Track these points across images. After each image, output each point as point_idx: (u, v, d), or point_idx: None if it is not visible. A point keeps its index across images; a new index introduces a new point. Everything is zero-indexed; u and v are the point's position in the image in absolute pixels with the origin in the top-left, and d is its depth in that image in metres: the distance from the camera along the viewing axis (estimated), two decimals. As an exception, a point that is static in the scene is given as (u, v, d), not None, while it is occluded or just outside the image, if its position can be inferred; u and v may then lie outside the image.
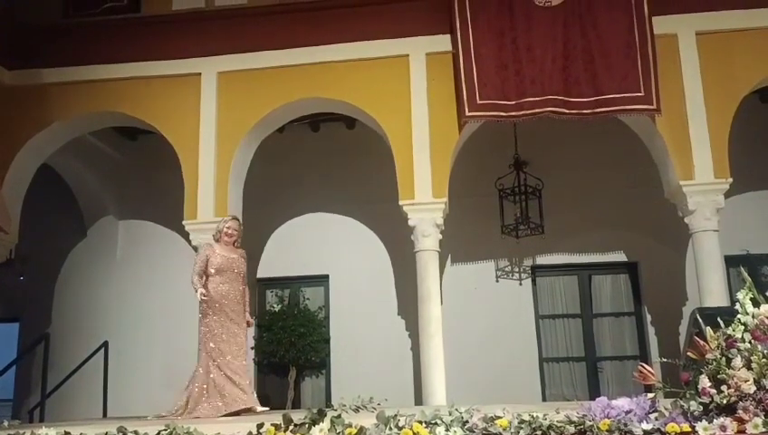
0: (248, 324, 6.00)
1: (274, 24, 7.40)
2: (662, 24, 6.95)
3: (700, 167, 6.79)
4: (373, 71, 7.28)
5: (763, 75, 6.97)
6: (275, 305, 8.82)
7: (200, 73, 7.42)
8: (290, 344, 8.36)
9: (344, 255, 9.00)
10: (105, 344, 8.73)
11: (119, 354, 8.77)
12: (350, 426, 2.82)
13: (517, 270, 8.92)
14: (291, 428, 2.85)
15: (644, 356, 8.43)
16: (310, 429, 2.81)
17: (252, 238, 8.27)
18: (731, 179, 6.75)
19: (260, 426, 2.90)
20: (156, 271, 9.11)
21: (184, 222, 7.25)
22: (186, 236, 7.39)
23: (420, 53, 7.27)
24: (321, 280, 9.13)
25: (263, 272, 9.15)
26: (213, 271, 5.76)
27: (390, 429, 2.80)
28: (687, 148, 6.84)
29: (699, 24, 7.01)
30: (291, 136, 8.81)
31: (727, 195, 6.82)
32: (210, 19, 7.55)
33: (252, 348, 8.80)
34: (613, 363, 8.70)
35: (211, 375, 5.55)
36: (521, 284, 8.92)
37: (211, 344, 5.63)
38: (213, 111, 7.34)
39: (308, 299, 8.91)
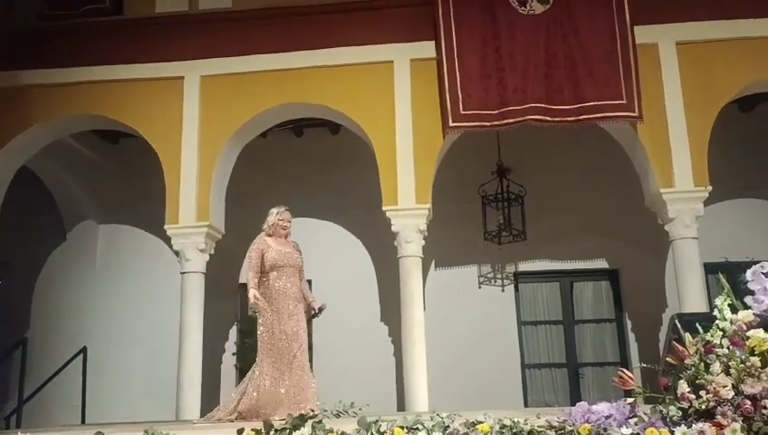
0: (320, 310, 5.52)
1: (259, 28, 7.39)
2: (643, 34, 7.04)
3: (680, 175, 6.87)
4: (357, 76, 7.29)
5: (742, 85, 7.08)
6: (257, 311, 8.76)
7: (183, 77, 7.39)
8: (272, 350, 8.29)
9: (327, 260, 8.95)
10: (84, 350, 8.64)
11: (98, 360, 8.67)
12: (332, 431, 2.80)
13: (500, 276, 8.96)
14: (271, 433, 2.83)
15: (625, 362, 8.50)
16: (291, 434, 2.79)
17: (234, 243, 8.24)
18: (710, 187, 6.85)
19: (240, 431, 2.87)
20: (136, 275, 9.03)
21: (165, 226, 7.19)
22: (167, 240, 7.34)
23: (405, 59, 7.30)
24: (303, 285, 9.08)
25: (245, 277, 9.06)
26: (268, 267, 5.31)
27: (372, 434, 2.79)
28: (667, 156, 6.93)
29: (679, 33, 7.11)
30: (274, 141, 8.79)
31: (706, 203, 6.92)
32: (194, 22, 7.52)
33: (233, 354, 8.76)
34: (594, 369, 8.75)
35: (266, 382, 5.07)
36: (503, 290, 8.95)
37: (267, 350, 5.17)
38: (195, 114, 7.30)
39: (290, 304, 8.85)
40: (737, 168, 8.12)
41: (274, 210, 5.57)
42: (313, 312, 5.47)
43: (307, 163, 9.10)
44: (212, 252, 7.35)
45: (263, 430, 2.83)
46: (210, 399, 8.16)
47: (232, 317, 8.97)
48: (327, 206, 9.01)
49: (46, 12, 7.73)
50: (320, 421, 2.84)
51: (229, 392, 8.71)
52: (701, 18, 7.08)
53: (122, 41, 7.48)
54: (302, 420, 2.79)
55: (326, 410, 2.90)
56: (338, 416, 2.95)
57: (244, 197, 8.38)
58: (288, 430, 2.81)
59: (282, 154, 9.11)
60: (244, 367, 8.63)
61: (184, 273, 7.20)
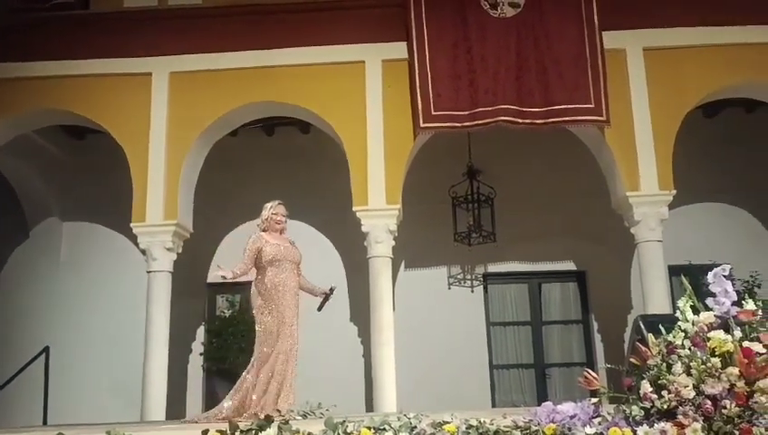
0: (331, 290, 5.43)
1: (229, 25, 7.33)
2: (611, 39, 7.14)
3: (646, 179, 6.99)
4: (329, 76, 7.27)
5: (707, 91, 7.23)
6: (226, 311, 8.68)
7: (151, 73, 7.29)
8: (240, 350, 8.21)
9: (297, 260, 8.91)
10: (46, 349, 8.46)
11: (61, 359, 8.50)
12: (298, 432, 2.79)
13: (469, 277, 9.00)
14: (237, 434, 2.80)
15: (591, 362, 8.60)
16: (256, 435, 2.77)
17: (202, 242, 8.16)
18: (674, 191, 6.99)
19: (205, 433, 2.84)
20: (101, 274, 8.87)
21: (132, 224, 7.09)
22: (134, 238, 7.23)
23: (376, 59, 7.30)
24: (273, 285, 9.01)
25: (213, 277, 8.97)
26: (266, 262, 5.11)
27: (338, 434, 2.78)
28: (634, 160, 7.04)
29: (647, 40, 7.23)
30: (244, 140, 8.71)
31: (671, 206, 7.05)
32: (163, 18, 7.42)
33: (201, 354, 8.66)
34: (561, 370, 8.84)
35: (253, 395, 4.90)
36: (472, 291, 9.00)
37: (264, 349, 5.02)
38: (164, 112, 7.21)
39: (259, 305, 8.78)
40: (701, 172, 8.27)
41: (268, 205, 5.42)
42: (326, 294, 5.40)
43: (277, 162, 9.03)
44: (179, 251, 7.26)
45: (228, 431, 2.80)
46: (176, 400, 8.07)
47: (199, 317, 8.87)
48: (297, 205, 8.82)
49: (15, 5, 7.56)
50: (286, 422, 2.82)
51: (196, 393, 8.67)
52: (668, 25, 7.20)
53: (90, 35, 7.35)
54: (269, 421, 2.77)
55: (293, 411, 2.87)
56: (305, 417, 2.92)
57: (213, 195, 8.31)
58: (254, 431, 2.79)
59: (252, 153, 9.04)
60: (211, 368, 8.56)
61: (150, 272, 7.10)
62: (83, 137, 9.04)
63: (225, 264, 8.78)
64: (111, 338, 8.56)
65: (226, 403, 4.97)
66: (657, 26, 7.20)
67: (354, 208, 7.06)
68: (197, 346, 8.74)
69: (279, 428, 2.77)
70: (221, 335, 8.38)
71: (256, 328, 5.10)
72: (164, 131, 7.17)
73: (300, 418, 2.94)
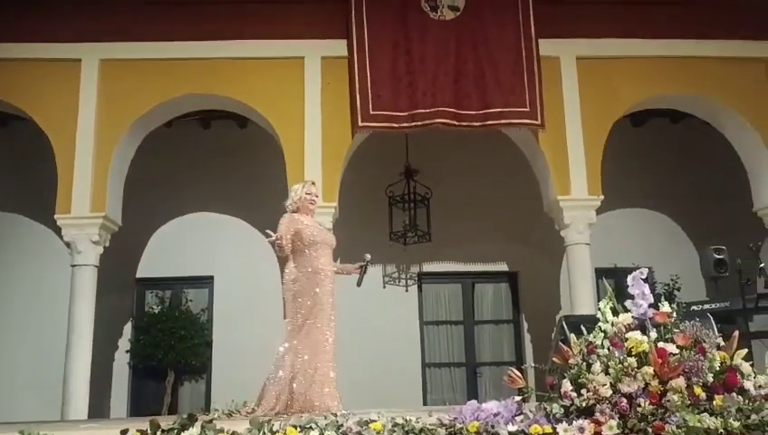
0: (367, 263, 5.02)
1: (166, 13, 7.13)
2: (547, 47, 7.32)
3: (576, 183, 7.21)
4: (267, 71, 7.19)
5: (635, 100, 7.51)
6: (155, 307, 8.47)
7: (80, 60, 7.03)
8: (169, 347, 8.04)
9: (231, 256, 8.78)
10: (-37, 345, 8.05)
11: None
12: (222, 431, 2.73)
13: (404, 277, 9.06)
14: (158, 434, 2.73)
15: (520, 361, 8.80)
16: (179, 435, 2.70)
17: (132, 236, 7.93)
18: (602, 197, 7.22)
19: (124, 432, 2.75)
20: (22, 267, 8.50)
21: (56, 216, 6.82)
22: (58, 230, 6.96)
23: (316, 56, 7.26)
24: (206, 281, 8.86)
25: (143, 272, 8.75)
26: (306, 244, 4.69)
27: (264, 434, 2.74)
28: (565, 165, 7.24)
29: (580, 49, 7.45)
30: (179, 132, 8.50)
31: (599, 211, 7.28)
32: (95, 3, 7.14)
33: (127, 351, 8.41)
34: (491, 369, 9.00)
35: (294, 384, 4.56)
36: (407, 290, 9.06)
37: (295, 342, 4.67)
38: (93, 100, 6.96)
39: (191, 301, 8.61)
40: (628, 179, 8.58)
41: (298, 185, 4.97)
42: (362, 266, 5.01)
43: (213, 156, 8.86)
44: (107, 244, 7.02)
45: (148, 430, 2.72)
46: (99, 398, 7.81)
47: (127, 313, 8.60)
48: (232, 201, 8.82)
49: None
50: (210, 421, 2.77)
51: (121, 392, 8.41)
52: (600, 36, 7.43)
53: (16, 18, 7.01)
54: (191, 419, 2.71)
55: (217, 410, 2.82)
56: (230, 416, 2.87)
57: (144, 188, 8.08)
58: (176, 431, 2.72)
59: (186, 146, 8.83)
60: (137, 365, 8.33)
61: (75, 266, 6.84)
62: (7, 123, 8.62)
63: (155, 256, 8.68)
64: (33, 333, 8.21)
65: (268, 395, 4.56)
66: (589, 36, 7.42)
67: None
68: (124, 343, 8.49)
69: (202, 427, 2.71)
70: (149, 332, 8.17)
71: (293, 318, 4.74)
72: (93, 120, 6.92)
73: (225, 416, 2.90)
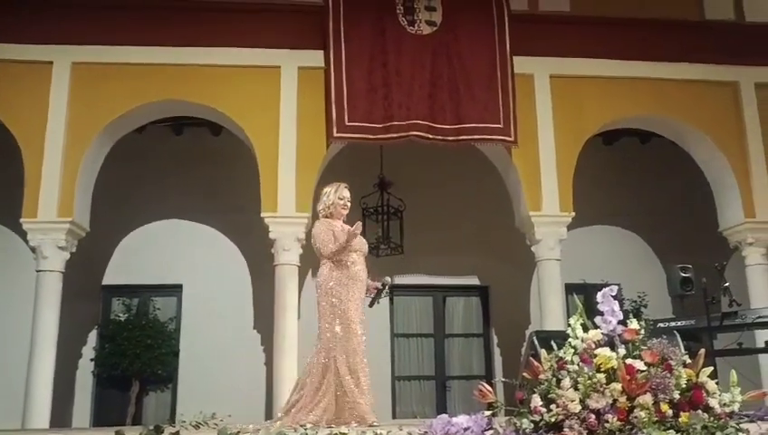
0: (383, 286, 4.84)
1: (140, 18, 7.07)
2: (521, 64, 7.42)
3: (547, 200, 7.29)
4: (242, 79, 7.16)
5: (607, 120, 7.64)
6: (121, 315, 8.31)
7: (52, 62, 6.92)
8: (134, 356, 7.90)
9: (200, 264, 8.67)
10: None
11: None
12: (189, 443, 2.70)
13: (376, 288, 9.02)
14: (122, 445, 2.68)
15: (489, 375, 8.83)
16: (144, 446, 2.65)
17: (100, 242, 7.81)
18: (573, 213, 7.31)
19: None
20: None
21: (21, 220, 6.67)
22: (23, 235, 6.81)
23: (292, 66, 7.25)
24: (175, 290, 8.73)
25: (110, 279, 8.60)
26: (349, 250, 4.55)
27: (231, 446, 2.71)
28: (537, 181, 7.33)
29: (554, 67, 7.56)
30: (151, 137, 8.40)
31: (569, 227, 7.37)
32: (68, 5, 7.06)
33: (91, 360, 8.24)
34: (461, 382, 9.02)
35: (338, 392, 4.34)
36: (379, 302, 9.01)
37: (332, 348, 4.46)
38: (64, 103, 6.85)
39: (158, 309, 8.47)
40: (598, 196, 8.70)
41: (331, 188, 4.70)
42: (377, 290, 4.80)
43: (185, 163, 8.76)
44: (73, 250, 6.89)
45: (113, 442, 2.67)
46: (62, 407, 7.63)
47: (92, 321, 8.43)
48: (203, 208, 8.72)
49: None
50: (177, 432, 2.72)
51: (84, 400, 8.23)
52: (574, 55, 7.55)
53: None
54: (158, 431, 2.66)
55: (184, 422, 2.77)
56: (197, 427, 2.82)
57: (113, 193, 7.97)
58: (141, 442, 2.67)
59: (158, 152, 8.72)
60: (102, 374, 8.16)
61: (40, 271, 6.70)
62: (-27, 124, 8.44)
63: (123, 263, 8.53)
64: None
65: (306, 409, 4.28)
66: (563, 55, 7.54)
67: (263, 215, 6.96)
68: (88, 351, 8.32)
69: (169, 438, 2.67)
70: (114, 340, 8.02)
71: (330, 324, 4.57)
72: (63, 124, 6.81)
73: (192, 428, 2.85)
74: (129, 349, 7.90)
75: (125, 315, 8.26)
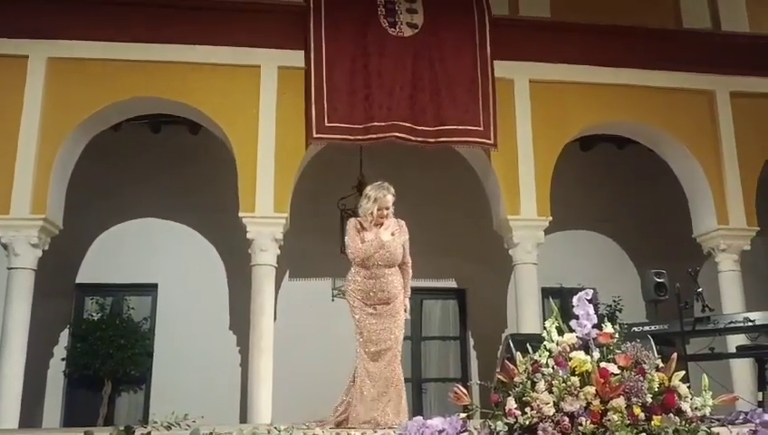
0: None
1: (117, 14, 6.97)
2: (502, 68, 7.46)
3: (525, 204, 7.33)
4: (222, 77, 7.10)
5: (584, 125, 7.71)
6: (94, 314, 8.19)
7: (27, 56, 6.80)
8: (107, 356, 7.79)
9: (176, 264, 8.58)
10: None
11: None
12: (161, 445, 2.66)
13: (353, 290, 9.00)
14: (92, 447, 2.63)
15: (465, 378, 8.85)
16: (114, 447, 2.61)
17: (73, 240, 7.70)
18: (551, 218, 7.36)
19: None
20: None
21: (-8, 217, 6.54)
22: (-7, 233, 6.69)
23: (272, 65, 7.21)
24: (149, 289, 8.62)
25: (83, 277, 8.47)
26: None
27: (204, 447, 2.67)
28: (516, 185, 7.37)
29: (533, 72, 7.61)
30: (127, 135, 8.30)
31: (547, 232, 7.42)
32: (45, -1, 6.95)
33: (63, 359, 8.11)
34: (437, 385, 9.03)
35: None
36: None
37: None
38: (38, 98, 6.73)
39: (132, 309, 8.36)
40: (575, 201, 8.77)
41: (374, 188, 4.78)
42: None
43: (161, 161, 8.67)
44: (46, 248, 6.78)
45: (82, 443, 2.62)
46: (32, 407, 7.50)
47: (64, 320, 8.30)
48: (179, 207, 8.63)
49: None
50: (148, 433, 2.68)
51: (55, 400, 8.09)
52: (553, 60, 7.61)
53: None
54: (128, 431, 2.62)
55: (156, 422, 2.73)
56: (168, 428, 2.78)
57: (88, 191, 7.87)
58: (112, 443, 2.63)
59: (135, 150, 8.62)
60: (73, 374, 8.04)
61: (11, 269, 6.57)
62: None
63: (97, 262, 8.40)
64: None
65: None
66: (543, 60, 7.59)
67: (240, 214, 6.90)
68: (60, 351, 8.18)
69: (139, 440, 2.63)
70: (87, 340, 7.90)
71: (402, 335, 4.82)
72: (37, 119, 6.68)
73: (164, 429, 2.81)
74: (102, 349, 7.79)
75: (98, 315, 8.14)
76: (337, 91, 7.08)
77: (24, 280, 6.56)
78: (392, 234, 4.71)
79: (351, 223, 4.71)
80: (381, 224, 4.66)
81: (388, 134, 7.04)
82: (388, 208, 4.65)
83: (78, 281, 8.46)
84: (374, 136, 7.07)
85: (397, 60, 7.21)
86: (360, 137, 7.10)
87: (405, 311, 4.85)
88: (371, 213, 4.60)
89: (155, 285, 8.62)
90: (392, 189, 4.74)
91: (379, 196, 4.63)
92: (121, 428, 2.64)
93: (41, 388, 8.00)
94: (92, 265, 8.48)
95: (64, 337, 8.26)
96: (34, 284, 6.65)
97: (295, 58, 7.20)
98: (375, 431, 2.81)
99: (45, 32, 6.85)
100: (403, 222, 4.83)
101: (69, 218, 7.09)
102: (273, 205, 6.93)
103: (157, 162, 8.66)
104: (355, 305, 4.67)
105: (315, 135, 7.02)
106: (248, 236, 6.90)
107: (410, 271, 4.91)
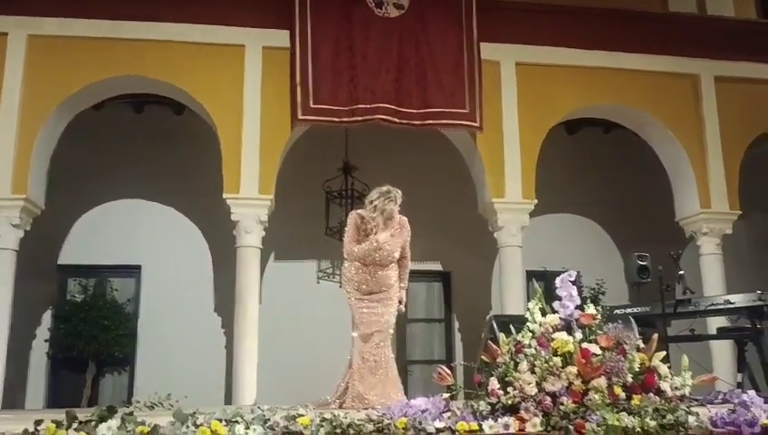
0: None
1: (100, -9, 6.85)
2: (488, 51, 7.43)
3: (510, 187, 7.35)
4: (206, 57, 7.03)
5: (570, 109, 7.72)
6: (78, 295, 8.14)
7: (7, 34, 6.68)
8: (91, 338, 7.75)
9: (160, 245, 8.53)
10: None
11: None
12: (143, 424, 2.64)
13: (338, 272, 9.01)
14: (75, 425, 2.61)
15: (450, 360, 8.91)
16: (96, 426, 2.59)
17: (56, 220, 7.62)
18: (536, 201, 7.38)
19: (38, 423, 2.62)
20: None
21: (-27, 198, 6.46)
22: (-26, 214, 6.60)
23: (257, 45, 7.14)
24: (133, 271, 8.58)
25: (66, 258, 8.41)
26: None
27: (187, 427, 2.66)
28: (501, 168, 7.37)
29: (520, 55, 7.60)
30: (110, 115, 8.20)
31: (532, 215, 7.44)
32: (25, -26, 6.82)
33: (46, 341, 8.07)
34: (422, 366, 9.08)
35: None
36: (341, 286, 8.99)
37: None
38: (19, 76, 6.63)
39: (116, 290, 8.32)
40: (560, 185, 8.79)
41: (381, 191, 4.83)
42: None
43: (145, 142, 8.58)
44: (28, 228, 6.71)
45: (65, 422, 2.60)
46: (15, 389, 7.46)
47: (47, 301, 8.24)
48: (164, 188, 8.56)
49: None
50: (131, 413, 2.67)
51: (38, 382, 8.07)
52: (539, 43, 7.60)
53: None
54: (111, 411, 2.60)
55: (139, 402, 2.72)
56: (152, 408, 2.78)
57: (70, 171, 7.79)
58: (94, 423, 2.61)
59: (117, 130, 8.52)
60: (56, 355, 8.00)
61: (-8, 249, 6.51)
62: None
63: (80, 243, 8.34)
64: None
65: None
66: (529, 43, 7.58)
67: (225, 196, 6.86)
68: (43, 332, 8.13)
69: (122, 419, 2.61)
70: (70, 321, 7.85)
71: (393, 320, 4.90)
72: (17, 98, 6.59)
73: (147, 408, 2.81)
74: (86, 330, 7.75)
75: (81, 296, 8.09)
76: (322, 73, 7.03)
77: (5, 261, 6.50)
78: (391, 234, 4.70)
79: (352, 219, 4.76)
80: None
81: (373, 116, 7.01)
82: (392, 218, 4.65)
83: (60, 262, 8.39)
84: (359, 118, 7.04)
85: (382, 41, 7.16)
86: (345, 119, 7.06)
87: (400, 303, 4.88)
88: (376, 223, 4.65)
89: (138, 267, 8.57)
90: (399, 197, 4.74)
91: (386, 209, 4.65)
92: (104, 408, 2.62)
93: (24, 369, 7.96)
94: (75, 247, 8.41)
95: (47, 318, 8.21)
96: (16, 265, 6.59)
97: (281, 38, 7.13)
98: (360, 411, 2.83)
99: (26, 9, 6.73)
100: (405, 220, 4.84)
101: (51, 199, 7.02)
102: (258, 186, 6.89)
103: (140, 142, 8.57)
104: (350, 293, 4.84)
105: (300, 117, 6.98)
106: (233, 217, 6.87)
107: (409, 264, 4.94)
